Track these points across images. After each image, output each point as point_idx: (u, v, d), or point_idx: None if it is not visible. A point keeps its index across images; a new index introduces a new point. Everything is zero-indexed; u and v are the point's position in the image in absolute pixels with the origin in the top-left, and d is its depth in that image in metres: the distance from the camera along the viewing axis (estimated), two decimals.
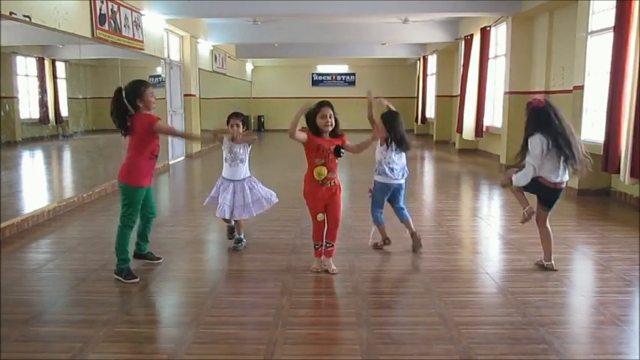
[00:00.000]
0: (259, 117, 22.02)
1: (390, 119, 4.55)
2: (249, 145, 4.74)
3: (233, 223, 4.88)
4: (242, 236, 4.86)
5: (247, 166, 4.76)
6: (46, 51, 7.03)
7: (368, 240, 4.90)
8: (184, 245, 5.03)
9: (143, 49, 9.28)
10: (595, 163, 6.73)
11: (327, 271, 4.13)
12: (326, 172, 3.97)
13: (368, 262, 4.46)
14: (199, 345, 2.96)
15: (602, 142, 6.52)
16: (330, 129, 3.98)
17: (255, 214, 4.73)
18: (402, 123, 4.61)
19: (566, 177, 4.09)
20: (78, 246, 4.99)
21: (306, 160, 4.06)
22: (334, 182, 4.07)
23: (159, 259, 4.44)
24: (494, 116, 11.39)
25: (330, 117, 3.93)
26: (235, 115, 4.67)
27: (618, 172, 6.28)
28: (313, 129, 3.96)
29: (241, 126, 4.61)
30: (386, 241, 4.85)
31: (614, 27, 6.30)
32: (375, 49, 17.23)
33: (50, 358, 2.85)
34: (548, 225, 4.19)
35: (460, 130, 12.47)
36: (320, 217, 4.08)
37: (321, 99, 4.08)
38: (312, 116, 3.95)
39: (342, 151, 3.98)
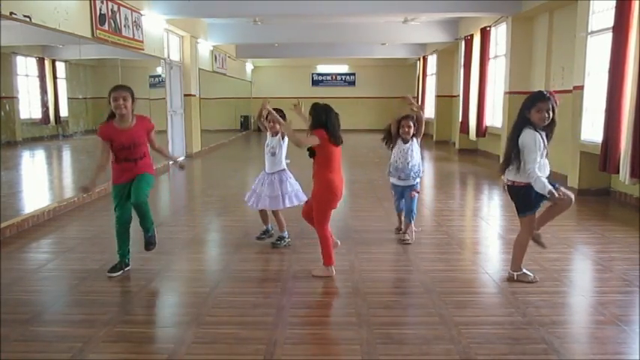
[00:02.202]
0: None
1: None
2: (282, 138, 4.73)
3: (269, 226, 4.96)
4: (284, 234, 4.84)
5: (281, 160, 4.76)
6: (46, 51, 7.03)
7: (368, 240, 5.01)
8: (184, 245, 5.03)
9: (143, 49, 9.28)
10: (594, 163, 6.82)
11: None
12: None
13: (368, 262, 4.46)
14: (199, 345, 2.97)
15: (601, 142, 6.52)
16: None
17: (282, 207, 4.72)
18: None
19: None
20: (78, 246, 4.99)
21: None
22: None
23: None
24: (495, 116, 11.39)
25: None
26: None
27: (617, 172, 6.28)
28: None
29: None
30: (399, 230, 5.18)
31: (614, 27, 6.30)
32: (375, 49, 17.22)
33: (50, 358, 2.85)
34: None
35: (466, 130, 12.44)
36: None
37: (322, 99, 4.11)
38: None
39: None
